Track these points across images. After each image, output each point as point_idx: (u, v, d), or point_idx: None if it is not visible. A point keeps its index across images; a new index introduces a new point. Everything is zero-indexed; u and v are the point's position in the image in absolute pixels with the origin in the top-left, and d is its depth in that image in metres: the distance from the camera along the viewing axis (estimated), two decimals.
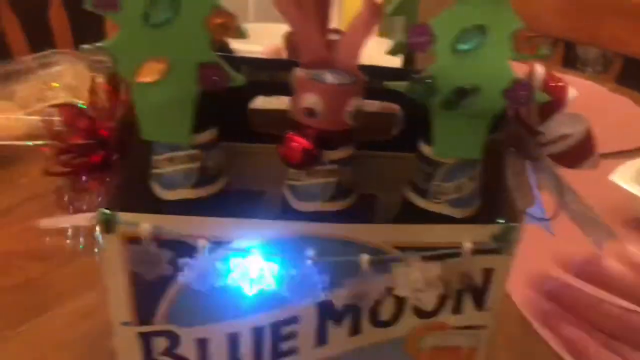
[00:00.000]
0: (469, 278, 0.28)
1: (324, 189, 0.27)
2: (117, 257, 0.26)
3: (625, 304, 0.28)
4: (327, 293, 0.27)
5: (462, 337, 0.30)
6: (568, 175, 0.31)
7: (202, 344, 0.29)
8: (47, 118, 0.28)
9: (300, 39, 0.27)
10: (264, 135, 0.31)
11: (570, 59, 1.52)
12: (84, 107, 0.29)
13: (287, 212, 0.28)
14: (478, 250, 0.27)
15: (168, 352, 0.29)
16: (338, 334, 0.29)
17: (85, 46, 0.23)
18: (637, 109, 0.88)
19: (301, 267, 0.26)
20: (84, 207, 0.28)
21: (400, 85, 0.25)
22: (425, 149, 0.27)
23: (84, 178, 0.28)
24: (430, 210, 0.28)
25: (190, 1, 0.22)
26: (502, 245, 0.27)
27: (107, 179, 0.28)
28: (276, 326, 0.29)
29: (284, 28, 0.28)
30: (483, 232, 0.27)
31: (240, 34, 0.23)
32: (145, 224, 0.25)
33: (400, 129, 0.32)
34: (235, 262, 0.26)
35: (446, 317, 0.29)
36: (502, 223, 0.27)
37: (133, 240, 0.26)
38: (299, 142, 0.25)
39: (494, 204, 0.29)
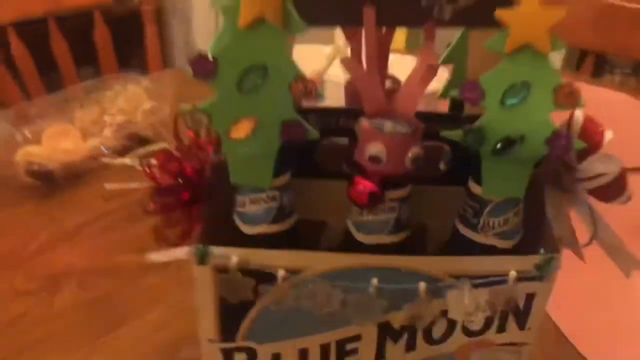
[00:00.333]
0: (514, 302, 0.31)
1: (385, 224, 0.31)
2: (207, 284, 0.30)
3: None
4: (386, 315, 0.31)
5: (505, 353, 0.33)
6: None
7: (275, 359, 0.33)
8: (144, 162, 0.32)
9: (363, 92, 0.30)
10: (325, 172, 0.35)
11: (600, 64, 1.53)
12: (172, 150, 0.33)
13: (350, 243, 0.32)
14: (522, 278, 0.30)
15: None
16: (395, 351, 0.33)
17: (185, 106, 0.28)
18: None
19: (364, 293, 0.30)
20: (176, 240, 0.32)
21: (455, 134, 0.29)
22: (475, 188, 0.31)
23: (175, 213, 0.32)
24: (480, 242, 0.31)
25: (277, 71, 0.26)
26: (543, 273, 0.30)
27: (195, 214, 0.32)
28: (341, 343, 0.32)
29: (322, 49, 0.31)
30: (526, 262, 0.30)
31: (318, 97, 0.27)
32: (233, 256, 0.29)
33: (447, 166, 0.35)
34: (307, 288, 0.30)
35: (491, 335, 0.32)
36: (543, 254, 0.30)
37: (221, 269, 0.30)
38: (365, 186, 0.29)
39: (536, 234, 0.32)
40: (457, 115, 0.34)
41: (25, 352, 0.45)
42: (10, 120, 0.68)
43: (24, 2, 1.08)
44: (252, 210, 0.30)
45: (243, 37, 0.26)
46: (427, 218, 0.37)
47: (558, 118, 0.30)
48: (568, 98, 0.28)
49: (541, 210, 0.33)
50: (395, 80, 0.36)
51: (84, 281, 0.51)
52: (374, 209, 0.30)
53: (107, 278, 0.51)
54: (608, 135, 0.32)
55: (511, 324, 0.32)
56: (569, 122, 0.32)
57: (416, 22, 0.30)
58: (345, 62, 0.30)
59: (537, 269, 0.30)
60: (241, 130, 0.27)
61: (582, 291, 0.53)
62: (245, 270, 0.30)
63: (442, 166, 0.37)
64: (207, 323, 0.31)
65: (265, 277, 0.30)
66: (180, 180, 0.32)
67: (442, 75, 0.36)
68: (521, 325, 0.32)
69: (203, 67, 0.26)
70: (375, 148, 0.29)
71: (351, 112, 0.31)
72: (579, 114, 0.32)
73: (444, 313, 0.31)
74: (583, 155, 0.32)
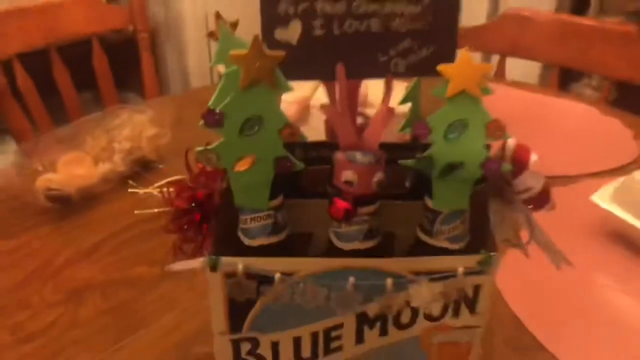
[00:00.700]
0: (463, 292, 0.39)
1: (359, 233, 0.38)
2: (218, 287, 0.38)
3: None
4: (363, 307, 0.39)
5: (461, 334, 0.41)
6: (556, 199, 0.42)
7: (275, 346, 0.40)
8: (164, 191, 0.40)
9: (338, 130, 0.38)
10: (310, 194, 0.42)
11: (573, 77, 1.62)
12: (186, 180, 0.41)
13: (332, 250, 0.40)
14: (468, 273, 0.38)
15: (251, 352, 0.41)
16: (371, 335, 0.40)
17: (199, 148, 0.35)
18: (625, 130, 0.98)
19: (344, 289, 0.38)
20: (192, 253, 0.40)
21: (410, 162, 0.37)
22: (429, 202, 0.39)
23: (190, 231, 0.40)
24: (434, 245, 0.39)
25: (271, 121, 0.34)
26: (485, 268, 0.38)
27: (206, 231, 0.40)
28: (327, 331, 0.40)
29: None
30: (471, 260, 0.38)
31: (302, 138, 0.35)
32: (239, 264, 0.37)
33: (410, 185, 0.43)
34: (299, 287, 0.38)
35: (448, 320, 0.40)
36: (484, 253, 0.38)
37: (229, 275, 0.37)
38: (341, 205, 0.36)
39: (480, 237, 0.40)
40: (414, 145, 0.42)
41: (58, 356, 0.52)
42: (26, 152, 0.75)
43: (26, 34, 1.15)
44: (253, 226, 0.38)
45: (243, 96, 0.33)
46: (395, 227, 0.44)
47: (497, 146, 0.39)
48: (496, 131, 0.36)
49: (485, 218, 0.41)
50: (366, 116, 0.44)
51: (104, 292, 0.59)
52: (349, 222, 0.38)
53: (124, 288, 0.59)
54: (534, 157, 0.40)
55: (463, 310, 0.40)
56: (502, 148, 0.40)
57: (377, 74, 0.38)
58: (323, 107, 0.38)
59: (480, 265, 0.38)
60: (243, 164, 0.35)
61: (536, 283, 0.61)
62: (249, 275, 0.37)
63: (407, 184, 0.45)
64: (219, 319, 0.39)
65: (265, 279, 0.37)
66: (193, 205, 0.40)
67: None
68: (472, 311, 0.40)
69: (212, 119, 0.34)
70: (348, 175, 0.37)
71: (329, 145, 0.38)
72: (511, 142, 0.40)
73: (409, 303, 0.39)
74: (516, 173, 0.40)
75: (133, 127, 0.79)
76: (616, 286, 0.64)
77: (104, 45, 1.25)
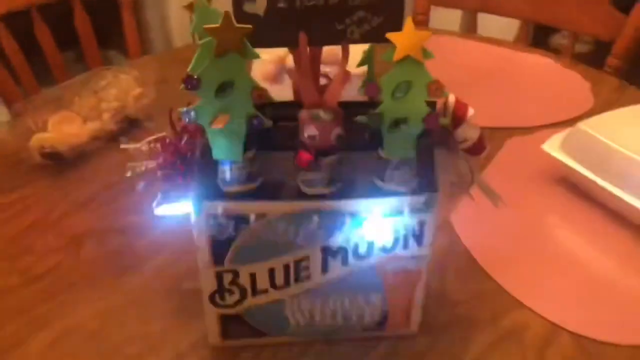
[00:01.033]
0: (411, 227, 0.46)
1: (322, 180, 0.45)
2: (202, 227, 0.44)
3: None
4: (326, 241, 0.46)
5: (411, 262, 0.48)
6: (513, 148, 0.48)
7: (252, 276, 0.48)
8: (152, 146, 0.46)
9: (302, 90, 0.44)
10: (279, 146, 0.49)
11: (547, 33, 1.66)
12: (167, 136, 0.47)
13: (299, 194, 0.46)
14: (414, 210, 0.45)
15: (233, 282, 0.48)
16: (334, 266, 0.48)
17: (181, 109, 0.41)
18: (583, 83, 1.03)
19: (310, 227, 0.45)
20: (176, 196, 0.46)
21: (363, 119, 0.43)
22: (381, 152, 0.45)
23: (175, 180, 0.46)
24: (387, 188, 0.46)
25: (242, 84, 0.40)
26: (428, 207, 0.45)
27: (189, 180, 0.46)
28: (297, 262, 0.47)
29: None
30: (417, 200, 0.45)
31: (269, 99, 0.41)
32: (219, 207, 0.43)
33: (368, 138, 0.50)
34: (271, 226, 0.45)
35: (399, 251, 0.47)
36: (426, 194, 0.45)
37: (212, 216, 0.44)
38: (305, 156, 0.43)
39: (427, 181, 0.47)
40: (369, 102, 0.48)
41: (62, 294, 0.59)
42: (18, 113, 0.80)
43: None
44: (230, 176, 0.44)
45: (217, 63, 0.39)
46: (354, 174, 0.51)
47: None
48: (436, 90, 0.42)
49: (431, 165, 0.48)
50: (329, 78, 0.50)
51: (100, 238, 0.65)
52: (313, 170, 0.44)
53: (119, 235, 0.65)
54: (471, 111, 0.46)
55: (412, 242, 0.47)
56: (445, 104, 0.46)
57: (335, 42, 0.44)
58: (289, 71, 0.44)
59: (424, 204, 0.45)
60: (219, 122, 0.41)
61: (489, 222, 0.69)
62: (228, 216, 0.44)
63: (367, 136, 0.51)
64: (204, 255, 0.46)
65: (242, 220, 0.44)
66: (178, 157, 0.46)
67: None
68: (419, 243, 0.47)
69: (191, 83, 0.39)
70: (310, 131, 0.43)
71: (294, 104, 0.44)
72: (451, 98, 0.46)
73: (365, 236, 0.46)
74: (455, 125, 0.47)
75: (119, 87, 0.84)
76: (562, 224, 0.72)
77: (84, 3, 1.27)
